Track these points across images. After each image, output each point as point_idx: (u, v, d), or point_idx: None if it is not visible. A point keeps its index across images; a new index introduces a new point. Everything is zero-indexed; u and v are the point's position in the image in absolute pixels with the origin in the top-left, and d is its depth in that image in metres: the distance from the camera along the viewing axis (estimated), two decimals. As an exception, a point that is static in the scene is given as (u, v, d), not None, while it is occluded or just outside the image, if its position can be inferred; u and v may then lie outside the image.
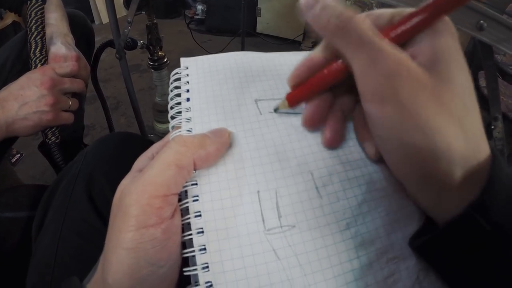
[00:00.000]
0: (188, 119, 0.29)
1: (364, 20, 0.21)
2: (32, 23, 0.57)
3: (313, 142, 0.28)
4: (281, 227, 0.24)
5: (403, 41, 0.21)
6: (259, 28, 2.24)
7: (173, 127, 0.29)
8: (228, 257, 0.23)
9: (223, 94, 0.31)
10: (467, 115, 0.20)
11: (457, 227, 0.20)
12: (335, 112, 0.26)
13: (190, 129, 0.28)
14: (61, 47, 0.63)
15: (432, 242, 0.22)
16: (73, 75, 0.62)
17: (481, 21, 0.44)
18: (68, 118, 0.63)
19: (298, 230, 0.24)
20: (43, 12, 0.59)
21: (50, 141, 0.66)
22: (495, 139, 0.56)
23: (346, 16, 0.21)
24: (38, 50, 0.59)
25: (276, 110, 0.29)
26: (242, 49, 1.68)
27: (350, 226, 0.24)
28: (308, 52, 0.28)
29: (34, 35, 0.58)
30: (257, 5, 2.16)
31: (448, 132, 0.19)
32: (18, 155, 1.29)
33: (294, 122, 0.29)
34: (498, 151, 0.21)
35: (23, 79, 0.56)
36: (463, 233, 0.20)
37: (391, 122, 0.20)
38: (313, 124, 0.27)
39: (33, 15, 0.56)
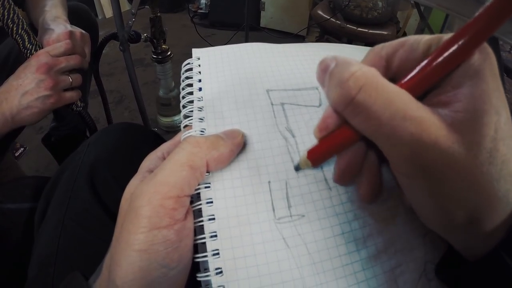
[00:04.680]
0: (200, 108, 0.29)
1: (374, 89, 0.18)
2: (9, 21, 0.55)
3: None
4: (290, 216, 0.24)
5: (440, 78, 0.19)
6: (263, 22, 2.23)
7: (185, 126, 0.29)
8: (238, 244, 0.23)
9: (235, 84, 0.31)
10: (508, 166, 0.18)
11: (484, 266, 0.19)
12: (369, 163, 0.22)
13: (203, 130, 0.27)
14: (52, 31, 0.62)
15: (458, 275, 0.21)
16: (69, 53, 0.61)
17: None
18: (72, 96, 0.63)
19: (307, 219, 0.24)
20: (12, 5, 0.56)
21: (80, 108, 0.68)
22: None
23: (351, 87, 0.18)
24: (27, 42, 0.58)
25: (297, 169, 0.26)
26: (246, 43, 1.68)
27: (358, 217, 0.24)
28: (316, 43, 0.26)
29: (15, 31, 0.56)
30: (260, -1, 2.15)
31: (483, 199, 0.18)
32: (22, 148, 1.30)
33: (305, 114, 0.29)
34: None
35: (19, 70, 0.56)
36: (490, 272, 0.19)
37: (421, 192, 0.19)
38: (346, 181, 0.23)
39: (6, 15, 0.54)
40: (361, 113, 0.18)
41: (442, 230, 0.21)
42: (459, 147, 0.17)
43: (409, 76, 0.19)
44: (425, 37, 0.20)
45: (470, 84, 0.17)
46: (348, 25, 1.61)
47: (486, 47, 0.18)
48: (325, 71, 0.20)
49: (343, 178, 0.23)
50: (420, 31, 1.55)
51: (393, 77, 0.21)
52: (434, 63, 0.18)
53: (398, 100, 0.17)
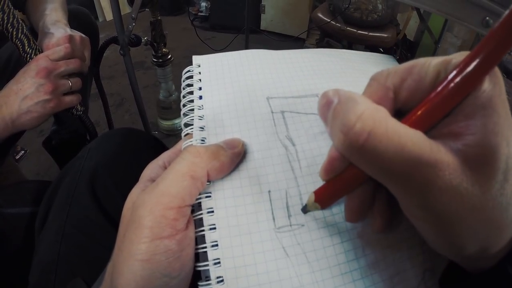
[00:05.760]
0: (201, 117, 0.29)
1: (384, 134, 0.16)
2: (9, 26, 0.55)
3: (323, 144, 0.27)
4: (290, 225, 0.24)
5: (452, 109, 0.17)
6: (263, 25, 2.24)
7: (185, 135, 0.29)
8: (239, 253, 0.23)
9: (235, 91, 0.31)
10: None
11: (490, 278, 0.20)
12: (380, 198, 0.21)
13: (204, 139, 0.27)
14: (52, 35, 0.62)
15: (463, 287, 0.22)
16: (68, 57, 0.61)
17: (487, 18, 0.44)
18: (72, 100, 0.63)
19: (307, 229, 0.24)
20: (12, 9, 0.56)
21: (80, 112, 0.68)
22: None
23: (357, 133, 0.16)
24: (26, 46, 0.58)
25: (305, 211, 0.24)
26: (246, 46, 1.68)
27: (357, 226, 0.24)
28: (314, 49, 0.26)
29: (14, 35, 0.56)
30: (261, 2, 2.15)
31: (494, 230, 0.18)
32: (22, 151, 1.30)
33: (305, 122, 0.29)
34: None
35: (19, 74, 0.57)
36: (496, 283, 0.19)
37: (432, 231, 0.19)
38: (357, 219, 0.22)
39: (5, 20, 0.54)
40: (370, 160, 0.17)
41: (450, 257, 0.21)
42: (473, 186, 0.16)
43: (419, 110, 0.18)
44: (433, 63, 0.18)
45: (482, 115, 0.16)
46: (348, 28, 1.61)
47: (495, 70, 0.17)
48: (328, 107, 0.19)
49: (355, 218, 0.22)
50: (420, 33, 1.55)
51: (401, 107, 0.20)
52: (445, 94, 0.17)
53: (411, 144, 0.16)
